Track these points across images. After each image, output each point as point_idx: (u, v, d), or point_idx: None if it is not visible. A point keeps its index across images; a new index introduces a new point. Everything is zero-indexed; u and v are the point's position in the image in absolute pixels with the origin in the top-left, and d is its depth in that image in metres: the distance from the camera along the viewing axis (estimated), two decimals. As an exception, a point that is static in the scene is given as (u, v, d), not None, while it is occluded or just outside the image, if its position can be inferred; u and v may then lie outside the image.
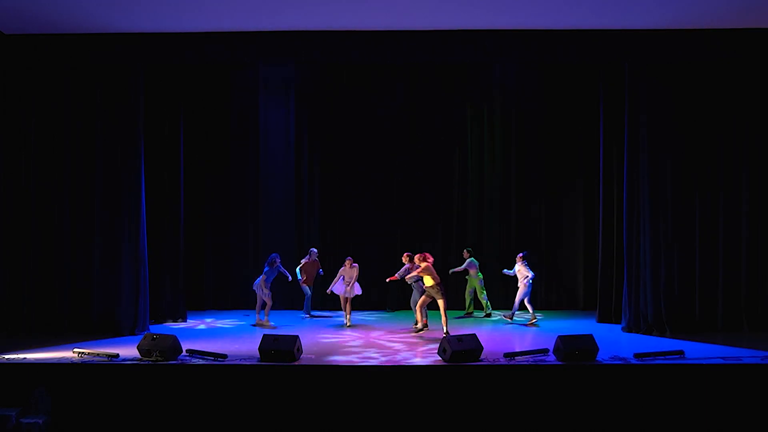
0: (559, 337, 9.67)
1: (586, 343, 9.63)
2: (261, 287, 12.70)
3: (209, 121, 14.92)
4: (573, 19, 11.29)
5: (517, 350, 9.92)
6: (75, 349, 9.95)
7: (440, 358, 9.69)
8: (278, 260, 12.79)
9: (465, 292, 13.88)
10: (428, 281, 11.73)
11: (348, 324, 12.82)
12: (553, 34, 11.70)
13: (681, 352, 9.80)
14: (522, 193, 15.03)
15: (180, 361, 9.58)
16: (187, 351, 9.84)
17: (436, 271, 11.82)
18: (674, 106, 12.09)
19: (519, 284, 12.92)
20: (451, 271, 13.65)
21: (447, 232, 15.09)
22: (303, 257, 13.90)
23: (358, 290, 13.05)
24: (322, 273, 13.85)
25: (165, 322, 13.05)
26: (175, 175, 13.22)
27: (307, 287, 13.75)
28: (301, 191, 15.11)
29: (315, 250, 13.92)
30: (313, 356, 9.99)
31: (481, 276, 13.64)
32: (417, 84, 14.84)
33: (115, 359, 9.64)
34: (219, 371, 9.36)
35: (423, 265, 11.70)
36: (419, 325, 12.05)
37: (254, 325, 12.75)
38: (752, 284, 12.26)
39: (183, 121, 13.34)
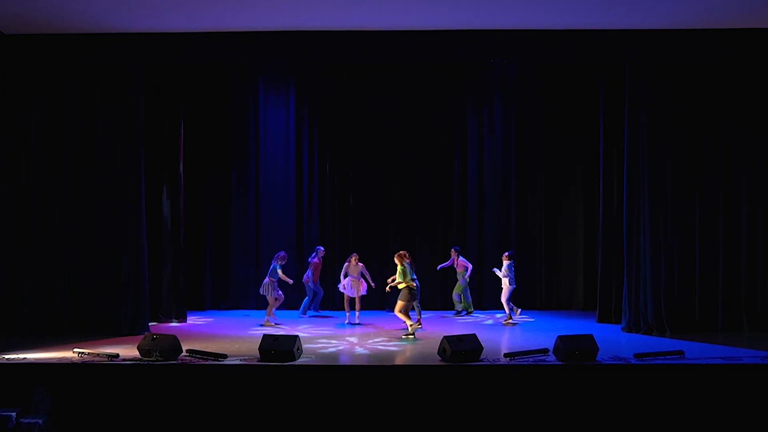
0: (559, 337, 9.67)
1: (586, 343, 9.63)
2: (269, 289, 12.67)
3: (209, 120, 14.92)
4: (573, 19, 11.29)
5: (517, 350, 9.91)
6: (75, 349, 9.95)
7: (440, 358, 9.70)
8: (275, 262, 12.75)
9: (454, 293, 13.92)
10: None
11: (357, 322, 12.91)
12: (553, 34, 11.70)
13: (681, 352, 9.80)
14: (522, 193, 15.03)
15: (180, 361, 9.58)
16: (187, 351, 9.84)
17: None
18: (674, 106, 12.09)
19: (502, 285, 12.97)
20: (439, 267, 13.80)
21: (447, 232, 15.07)
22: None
23: (364, 290, 13.06)
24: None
25: (165, 322, 13.05)
26: (175, 175, 13.23)
27: (319, 287, 13.84)
28: (301, 191, 15.11)
29: (321, 248, 13.95)
30: (313, 356, 10.01)
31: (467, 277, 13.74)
32: (417, 84, 14.84)
33: (115, 359, 9.64)
34: (219, 371, 9.36)
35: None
36: (410, 328, 11.74)
37: (277, 325, 12.72)
38: (752, 284, 12.25)
39: (183, 121, 13.34)
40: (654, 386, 9.16)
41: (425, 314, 13.21)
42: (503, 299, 12.97)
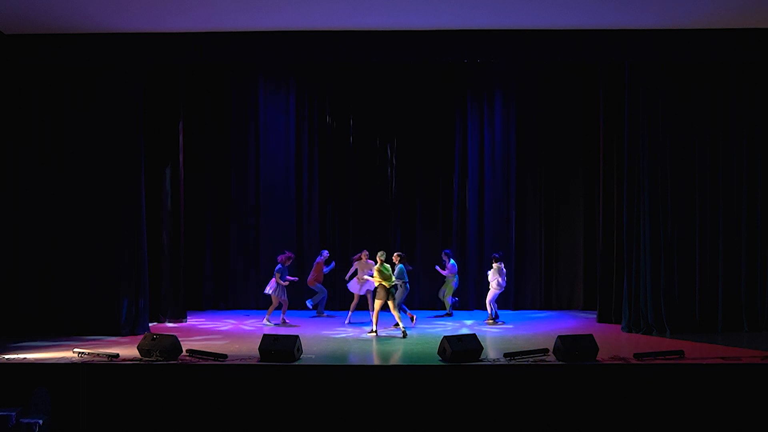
0: (559, 337, 9.67)
1: (586, 343, 9.63)
2: (279, 291, 12.65)
3: (209, 120, 14.94)
4: (573, 18, 11.29)
5: (517, 350, 9.91)
6: (75, 349, 9.95)
7: (440, 358, 9.70)
8: (281, 263, 12.75)
9: (446, 294, 13.88)
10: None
11: (348, 322, 12.89)
12: (552, 34, 11.70)
13: (681, 352, 9.80)
14: (522, 192, 15.02)
15: (180, 361, 9.58)
16: (187, 351, 9.84)
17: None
18: (674, 106, 12.09)
19: (490, 286, 12.97)
20: (437, 266, 13.77)
21: (447, 232, 15.06)
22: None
23: (369, 287, 13.01)
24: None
25: (165, 322, 13.06)
26: (175, 175, 13.23)
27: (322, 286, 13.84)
28: (301, 191, 15.11)
29: (327, 252, 13.93)
30: (313, 356, 10.01)
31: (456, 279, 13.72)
32: (417, 84, 14.82)
33: (115, 359, 9.64)
34: (219, 371, 9.36)
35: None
36: (402, 325, 11.75)
37: (279, 325, 12.74)
38: (752, 284, 12.24)
39: (183, 121, 13.35)
40: (654, 386, 9.16)
41: (414, 313, 13.13)
42: (488, 300, 12.99)
